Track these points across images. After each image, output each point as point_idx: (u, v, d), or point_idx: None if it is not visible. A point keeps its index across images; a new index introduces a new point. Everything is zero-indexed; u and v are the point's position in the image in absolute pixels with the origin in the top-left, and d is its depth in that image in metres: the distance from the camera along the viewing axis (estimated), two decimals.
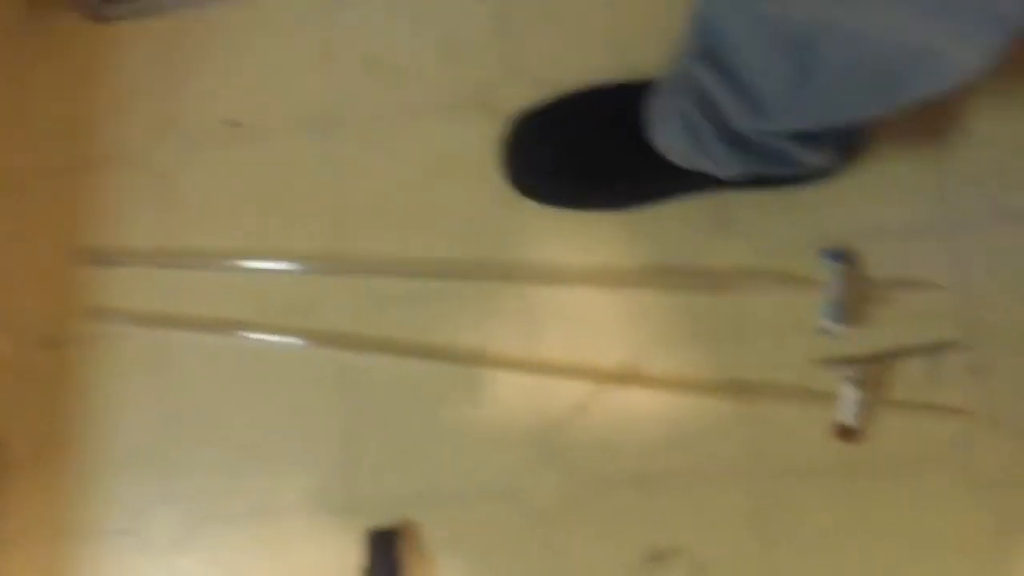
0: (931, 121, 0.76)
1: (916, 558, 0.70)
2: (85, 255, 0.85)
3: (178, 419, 0.82)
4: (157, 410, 0.82)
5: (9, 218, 0.88)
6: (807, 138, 0.62)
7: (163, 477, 0.81)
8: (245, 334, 0.81)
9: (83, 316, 0.84)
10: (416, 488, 0.77)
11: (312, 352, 0.80)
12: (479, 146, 0.80)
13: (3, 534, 0.82)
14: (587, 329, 0.76)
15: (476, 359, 0.77)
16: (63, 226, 0.87)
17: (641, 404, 0.75)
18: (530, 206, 0.78)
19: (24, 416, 0.84)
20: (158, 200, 0.86)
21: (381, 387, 0.79)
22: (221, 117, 0.86)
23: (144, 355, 0.83)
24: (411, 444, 0.77)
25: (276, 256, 0.82)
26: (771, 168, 0.65)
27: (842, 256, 0.72)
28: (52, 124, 0.90)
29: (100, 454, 0.82)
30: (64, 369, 0.84)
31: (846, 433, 0.70)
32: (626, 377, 0.75)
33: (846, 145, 0.67)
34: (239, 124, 0.86)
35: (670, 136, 0.67)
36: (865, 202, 0.75)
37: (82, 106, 0.89)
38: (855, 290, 0.72)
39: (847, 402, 0.70)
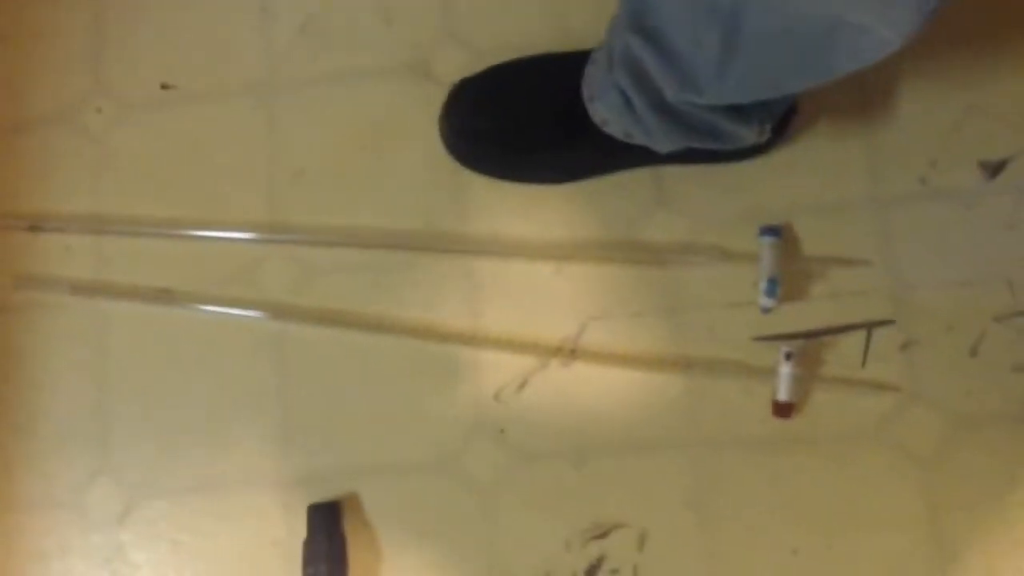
0: (861, 99, 0.76)
1: (849, 532, 0.71)
2: (18, 220, 0.84)
3: (116, 390, 0.80)
4: (94, 381, 0.81)
5: None
6: (738, 112, 0.63)
7: (102, 449, 0.80)
8: (182, 304, 0.80)
9: (17, 283, 0.83)
10: (358, 461, 0.76)
11: (251, 322, 0.79)
12: (417, 113, 0.80)
13: None
14: (528, 302, 0.76)
15: (417, 331, 0.77)
16: None
17: (583, 377, 0.75)
18: (470, 176, 0.78)
19: None
20: (93, 165, 0.85)
21: (321, 358, 0.78)
22: (156, 80, 0.85)
23: (80, 324, 0.82)
24: (352, 417, 0.77)
25: (213, 224, 0.81)
26: (704, 142, 0.66)
27: (778, 232, 0.72)
28: None
29: (37, 425, 0.81)
30: None
31: (781, 409, 0.71)
32: (566, 351, 0.75)
33: (777, 120, 0.68)
34: (174, 87, 0.85)
35: (606, 108, 0.68)
36: (799, 179, 0.75)
37: (14, 67, 0.88)
38: (790, 266, 0.73)
39: (783, 378, 0.70)
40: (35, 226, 0.83)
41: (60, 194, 0.85)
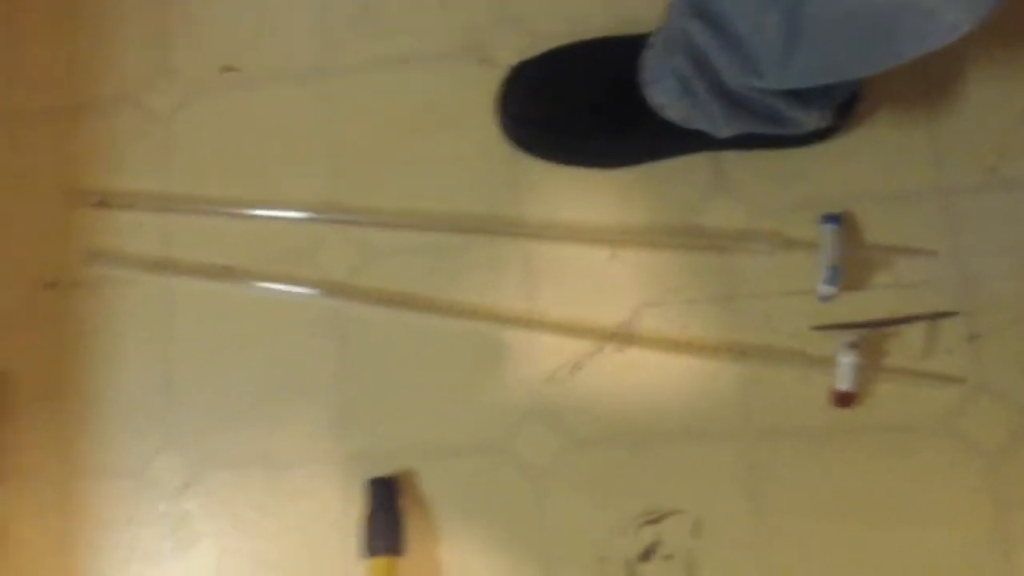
0: (927, 85, 0.74)
1: (909, 526, 0.69)
2: (86, 198, 0.86)
3: (180, 365, 0.83)
4: (160, 355, 0.83)
5: (9, 159, 0.90)
6: (799, 96, 0.62)
7: (167, 422, 0.82)
8: (244, 282, 0.82)
9: (84, 259, 0.85)
10: (413, 440, 0.77)
11: (310, 301, 0.80)
12: (474, 97, 0.80)
13: (13, 468, 0.84)
14: (584, 287, 0.76)
15: (473, 313, 0.77)
16: (65, 167, 0.88)
17: (637, 362, 0.75)
18: (526, 160, 0.78)
19: (30, 356, 0.86)
20: (158, 144, 0.87)
21: (379, 338, 0.79)
22: (219, 62, 0.87)
23: (147, 300, 0.84)
24: (408, 396, 0.78)
25: (275, 203, 0.82)
26: (764, 127, 0.65)
27: (840, 220, 0.71)
28: (52, 66, 0.91)
29: (105, 396, 0.83)
30: (67, 311, 0.85)
31: (843, 398, 0.70)
32: (622, 336, 0.75)
33: (839, 105, 0.67)
34: (236, 70, 0.86)
35: (664, 93, 0.67)
36: (861, 166, 0.74)
37: (83, 48, 0.90)
38: (851, 255, 0.71)
39: (844, 368, 0.69)
40: (104, 202, 0.86)
41: (127, 172, 0.87)
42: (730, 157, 0.75)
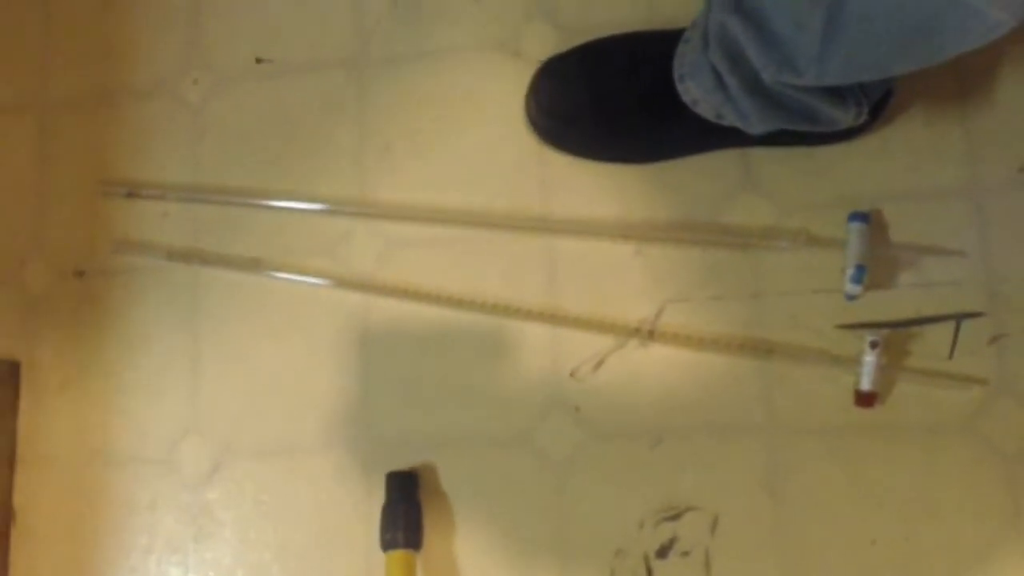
0: (959, 84, 0.74)
1: (930, 524, 0.70)
2: (116, 186, 0.87)
3: (206, 353, 0.83)
4: (186, 343, 0.84)
5: (40, 146, 0.90)
6: (835, 94, 0.62)
7: (191, 410, 0.83)
8: (269, 272, 0.82)
9: (113, 247, 0.86)
10: (435, 432, 0.78)
11: (335, 293, 0.81)
12: (505, 90, 0.81)
13: (38, 453, 0.85)
14: (608, 282, 0.77)
15: (496, 307, 0.77)
16: (94, 156, 0.89)
17: (660, 359, 0.75)
18: (553, 154, 0.79)
19: (55, 342, 0.87)
20: (189, 134, 0.87)
21: (403, 331, 0.79)
22: (251, 53, 0.87)
23: (175, 289, 0.85)
24: (431, 389, 0.78)
25: (302, 195, 0.83)
26: (798, 124, 0.65)
27: (867, 218, 0.71)
28: (84, 54, 0.91)
29: (130, 383, 0.84)
30: (94, 298, 0.86)
31: (864, 398, 0.70)
32: (644, 332, 0.75)
33: (873, 103, 0.67)
34: (268, 60, 0.87)
35: (698, 88, 0.67)
36: (891, 164, 0.74)
37: (116, 36, 0.91)
38: (879, 253, 0.71)
39: (867, 367, 0.69)
40: (133, 193, 0.86)
41: (157, 162, 0.88)
42: (758, 154, 0.75)
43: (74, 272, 0.87)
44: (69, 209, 0.89)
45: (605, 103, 0.73)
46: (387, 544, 0.73)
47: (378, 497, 0.76)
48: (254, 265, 0.83)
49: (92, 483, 0.83)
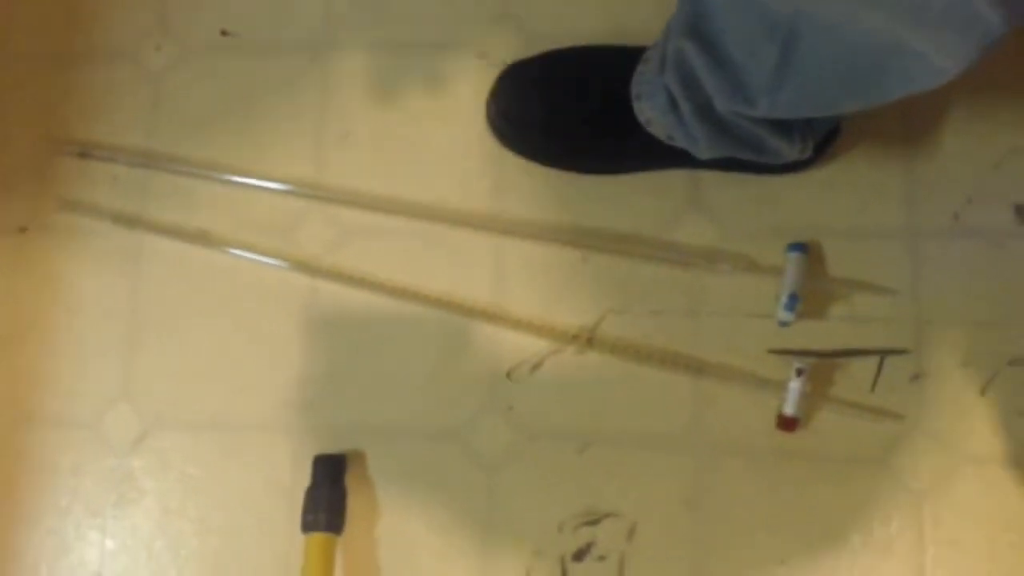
0: (905, 127, 0.76)
1: (838, 551, 0.71)
2: (67, 145, 0.86)
3: (143, 322, 0.82)
4: (123, 310, 0.83)
5: None
6: (782, 127, 0.63)
7: (124, 377, 0.82)
8: (218, 247, 0.81)
9: (61, 206, 0.85)
10: (368, 420, 0.78)
11: (282, 274, 0.81)
12: (466, 90, 0.81)
13: None
14: (552, 287, 0.77)
15: (441, 302, 0.78)
16: (48, 113, 0.87)
17: (596, 366, 0.76)
18: (510, 158, 0.79)
19: None
20: (147, 101, 0.86)
21: (346, 318, 0.79)
22: (216, 25, 0.87)
23: (117, 253, 0.84)
24: (369, 377, 0.78)
25: (257, 173, 0.82)
26: (744, 153, 0.66)
27: (805, 249, 0.73)
28: (50, 14, 0.90)
29: (63, 345, 0.83)
30: (33, 256, 0.85)
31: (786, 422, 0.71)
32: (583, 339, 0.76)
33: (819, 140, 0.68)
34: (234, 35, 0.86)
35: (651, 109, 0.68)
36: (834, 200, 0.76)
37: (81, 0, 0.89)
38: (814, 284, 0.73)
39: (792, 392, 0.71)
40: (85, 152, 0.85)
41: (113, 126, 0.86)
42: (708, 177, 0.76)
43: (17, 228, 0.86)
44: (17, 163, 0.87)
45: (563, 112, 0.74)
46: (308, 526, 0.73)
47: (304, 479, 0.76)
48: (202, 237, 0.82)
49: (16, 443, 0.82)
